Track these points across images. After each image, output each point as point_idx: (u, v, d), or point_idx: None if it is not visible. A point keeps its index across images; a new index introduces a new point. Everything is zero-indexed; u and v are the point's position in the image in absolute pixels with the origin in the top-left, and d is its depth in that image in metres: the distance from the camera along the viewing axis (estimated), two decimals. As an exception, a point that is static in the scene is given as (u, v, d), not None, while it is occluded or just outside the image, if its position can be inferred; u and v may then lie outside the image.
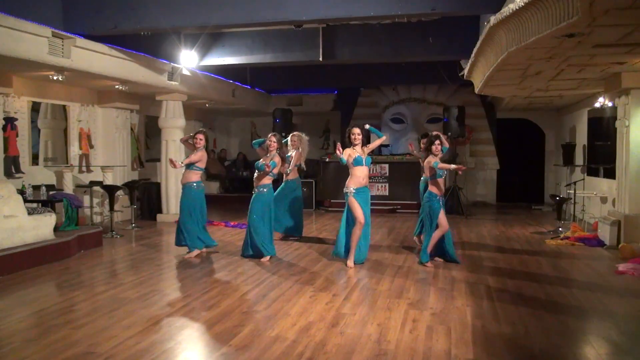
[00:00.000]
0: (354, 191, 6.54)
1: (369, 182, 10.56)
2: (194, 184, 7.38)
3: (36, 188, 8.21)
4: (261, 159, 7.09)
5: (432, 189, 6.68)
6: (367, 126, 6.83)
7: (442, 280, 5.99)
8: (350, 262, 6.56)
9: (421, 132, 10.26)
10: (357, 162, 6.55)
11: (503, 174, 14.38)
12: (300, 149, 8.33)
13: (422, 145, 8.07)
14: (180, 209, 7.45)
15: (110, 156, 10.60)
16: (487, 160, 14.28)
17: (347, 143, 6.65)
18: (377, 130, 7.18)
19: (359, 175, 6.58)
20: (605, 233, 8.02)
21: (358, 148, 6.61)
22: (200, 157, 7.28)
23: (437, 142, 6.65)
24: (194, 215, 7.38)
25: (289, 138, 8.41)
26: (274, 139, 7.04)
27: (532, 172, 14.58)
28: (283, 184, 8.53)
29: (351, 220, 6.61)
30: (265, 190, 7.01)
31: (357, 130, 6.60)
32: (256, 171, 7.08)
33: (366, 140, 6.77)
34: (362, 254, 6.75)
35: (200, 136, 7.30)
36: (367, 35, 9.37)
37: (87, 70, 7.94)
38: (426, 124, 14.22)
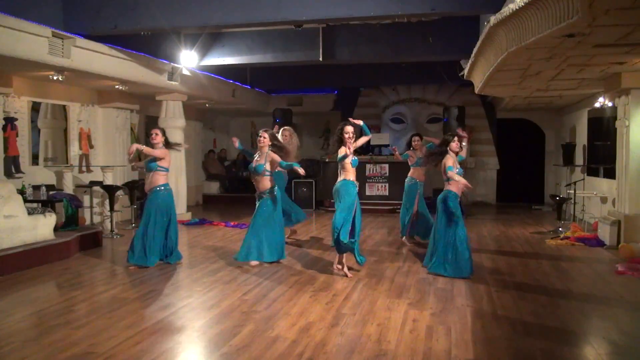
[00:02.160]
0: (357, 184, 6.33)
1: (369, 182, 10.47)
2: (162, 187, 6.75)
3: (36, 188, 8.20)
4: (254, 160, 6.75)
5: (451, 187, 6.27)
6: (361, 122, 6.34)
7: (442, 280, 5.98)
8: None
9: (421, 132, 10.27)
10: (354, 162, 6.24)
11: (503, 174, 14.38)
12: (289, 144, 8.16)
13: (414, 144, 8.14)
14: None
15: (110, 156, 10.60)
16: (487, 160, 14.28)
17: (338, 141, 6.21)
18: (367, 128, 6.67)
19: (352, 173, 6.25)
20: (605, 233, 8.02)
21: (349, 146, 6.18)
22: (163, 154, 6.64)
23: (457, 138, 6.29)
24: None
25: (280, 132, 8.24)
26: (265, 135, 6.66)
27: (532, 172, 14.58)
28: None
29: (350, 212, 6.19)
30: (268, 194, 6.73)
31: (350, 129, 6.18)
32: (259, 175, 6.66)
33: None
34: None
35: (156, 131, 6.71)
36: (367, 35, 9.37)
37: (87, 70, 7.94)
38: (426, 124, 14.22)
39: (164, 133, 6.75)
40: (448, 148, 6.28)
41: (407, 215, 8.23)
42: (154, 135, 6.66)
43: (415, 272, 6.40)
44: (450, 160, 6.21)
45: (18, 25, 6.56)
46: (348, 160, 6.15)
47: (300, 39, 9.56)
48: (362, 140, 6.36)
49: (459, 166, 6.29)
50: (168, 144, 6.73)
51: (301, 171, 6.42)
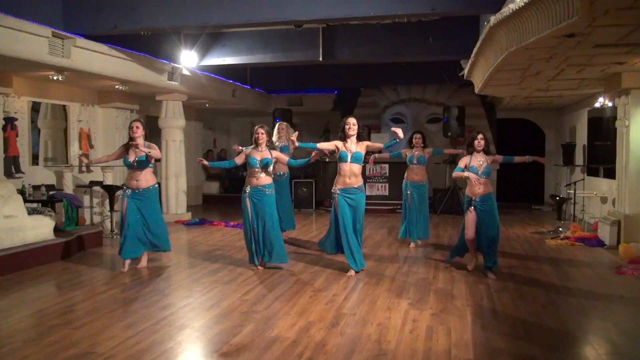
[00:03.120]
0: (338, 192, 6.03)
1: (369, 182, 10.14)
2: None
3: (36, 188, 8.20)
4: (256, 155, 6.28)
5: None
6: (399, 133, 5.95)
7: (442, 280, 5.99)
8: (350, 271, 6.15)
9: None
10: (341, 158, 5.97)
11: (503, 174, 14.37)
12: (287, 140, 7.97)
13: (415, 141, 8.05)
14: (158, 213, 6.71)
15: (110, 156, 10.59)
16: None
17: (341, 135, 6.06)
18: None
19: (342, 174, 6.02)
20: (605, 233, 8.02)
21: (350, 141, 5.98)
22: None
23: (480, 136, 6.22)
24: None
25: (275, 129, 8.15)
26: (261, 130, 6.28)
27: (532, 172, 14.57)
28: (281, 180, 8.11)
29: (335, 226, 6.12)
30: (271, 190, 6.39)
31: (352, 120, 5.98)
32: (257, 169, 6.29)
33: (367, 137, 6.34)
34: (357, 262, 6.19)
35: (137, 124, 6.35)
36: (367, 35, 9.37)
37: (87, 70, 7.94)
38: (426, 124, 14.22)
39: (145, 126, 6.43)
40: (473, 147, 6.27)
41: (412, 217, 7.99)
42: (135, 129, 6.28)
43: (415, 272, 6.40)
44: (462, 161, 6.27)
45: (18, 25, 6.55)
46: (338, 154, 6.01)
47: (300, 39, 9.56)
48: (376, 145, 6.18)
49: (476, 165, 6.20)
50: (145, 137, 6.44)
51: (314, 154, 6.05)
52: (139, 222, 6.41)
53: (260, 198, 6.31)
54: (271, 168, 6.32)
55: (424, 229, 8.04)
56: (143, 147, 6.22)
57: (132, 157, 6.33)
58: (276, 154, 6.43)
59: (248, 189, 6.35)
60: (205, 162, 6.53)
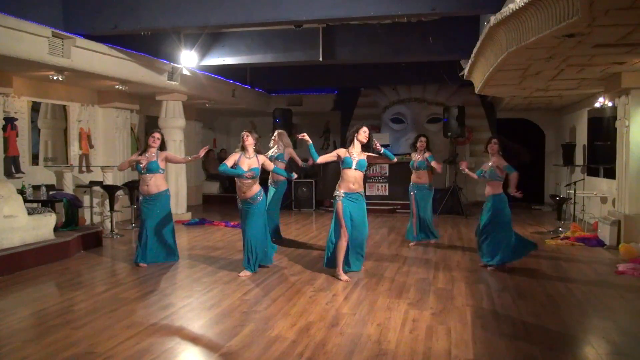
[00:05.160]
0: (343, 195, 5.93)
1: (369, 182, 10.17)
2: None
3: (36, 188, 8.21)
4: (243, 164, 6.15)
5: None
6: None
7: (442, 280, 5.99)
8: (341, 275, 5.97)
9: (421, 132, 10.24)
10: (346, 163, 5.92)
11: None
12: (283, 146, 8.08)
13: (419, 144, 8.06)
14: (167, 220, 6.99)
15: (110, 156, 10.60)
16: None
17: (350, 140, 6.02)
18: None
19: (346, 179, 5.93)
20: (605, 233, 8.02)
21: (355, 148, 5.97)
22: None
23: (494, 140, 6.79)
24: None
25: (274, 135, 8.19)
26: (248, 135, 6.24)
27: (532, 172, 14.55)
28: (277, 187, 8.13)
29: (338, 228, 5.99)
30: (261, 197, 6.28)
31: (366, 129, 5.97)
32: (244, 179, 6.15)
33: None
34: (357, 264, 6.25)
35: (158, 135, 6.80)
36: (367, 35, 9.37)
37: (87, 70, 7.95)
38: (426, 124, 14.22)
39: (164, 138, 6.90)
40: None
41: (411, 219, 8.17)
42: (155, 139, 6.72)
43: (415, 272, 6.40)
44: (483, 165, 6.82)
45: (18, 25, 6.56)
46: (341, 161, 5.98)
47: (300, 39, 9.55)
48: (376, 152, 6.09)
49: (487, 168, 6.75)
50: (163, 146, 6.86)
51: (295, 176, 6.71)
52: (153, 229, 6.80)
53: (248, 209, 6.24)
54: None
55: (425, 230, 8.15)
56: (156, 156, 6.72)
57: (143, 163, 6.65)
58: (263, 159, 6.29)
59: (239, 202, 6.31)
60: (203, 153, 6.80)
